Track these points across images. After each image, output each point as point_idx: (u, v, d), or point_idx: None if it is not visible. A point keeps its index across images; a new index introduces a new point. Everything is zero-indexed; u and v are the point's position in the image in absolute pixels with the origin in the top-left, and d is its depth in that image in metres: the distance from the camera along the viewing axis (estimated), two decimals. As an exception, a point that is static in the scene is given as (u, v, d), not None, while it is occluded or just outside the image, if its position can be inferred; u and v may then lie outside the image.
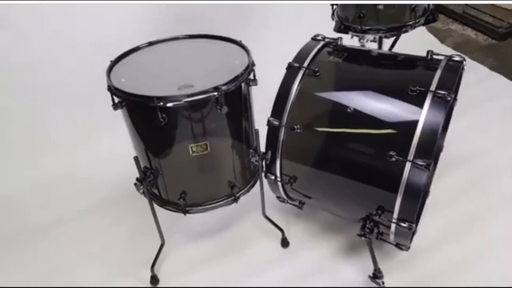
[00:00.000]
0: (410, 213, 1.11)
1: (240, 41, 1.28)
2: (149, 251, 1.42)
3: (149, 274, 1.38)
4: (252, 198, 1.39)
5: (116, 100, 1.12)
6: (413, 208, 1.10)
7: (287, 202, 1.48)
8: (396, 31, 1.47)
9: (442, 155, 1.62)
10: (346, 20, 1.52)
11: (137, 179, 1.22)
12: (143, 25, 1.92)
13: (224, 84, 1.07)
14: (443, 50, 1.82)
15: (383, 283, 1.27)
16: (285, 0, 2.35)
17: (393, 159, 1.07)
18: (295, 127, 1.22)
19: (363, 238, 1.18)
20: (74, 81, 1.90)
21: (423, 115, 1.07)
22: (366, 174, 1.17)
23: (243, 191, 1.34)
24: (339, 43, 1.38)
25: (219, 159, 1.23)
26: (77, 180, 1.84)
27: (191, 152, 1.15)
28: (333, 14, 1.59)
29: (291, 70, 1.28)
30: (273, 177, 1.33)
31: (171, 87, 1.10)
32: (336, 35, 1.43)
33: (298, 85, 1.26)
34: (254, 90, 1.24)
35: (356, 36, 1.53)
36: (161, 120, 1.05)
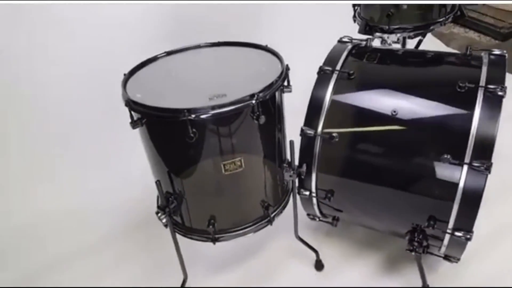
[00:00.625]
0: (468, 222, 1.01)
1: (267, 45, 1.17)
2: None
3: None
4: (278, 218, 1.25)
5: (135, 116, 0.98)
6: (472, 216, 1.00)
7: (319, 220, 1.35)
8: (424, 29, 1.40)
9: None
10: (371, 20, 1.44)
11: (158, 207, 1.07)
12: (154, 31, 1.86)
13: (260, 92, 0.95)
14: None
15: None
16: (298, 0, 2.25)
17: (448, 162, 0.98)
18: (334, 135, 1.11)
19: (413, 253, 1.08)
20: (79, 103, 1.80)
21: (476, 112, 1.00)
22: (415, 182, 1.08)
23: (277, 211, 1.20)
24: (368, 44, 1.29)
25: (253, 176, 1.10)
26: (81, 213, 1.67)
27: (223, 171, 1.01)
28: (354, 15, 1.51)
29: (323, 75, 1.19)
30: (307, 193, 1.22)
31: (199, 98, 0.97)
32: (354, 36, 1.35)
33: (332, 90, 1.16)
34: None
35: (380, 37, 1.45)
36: (192, 135, 0.92)
